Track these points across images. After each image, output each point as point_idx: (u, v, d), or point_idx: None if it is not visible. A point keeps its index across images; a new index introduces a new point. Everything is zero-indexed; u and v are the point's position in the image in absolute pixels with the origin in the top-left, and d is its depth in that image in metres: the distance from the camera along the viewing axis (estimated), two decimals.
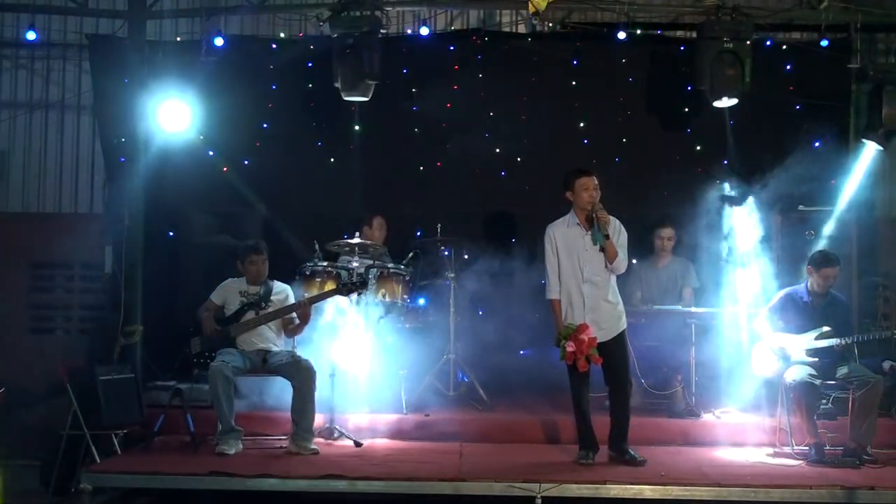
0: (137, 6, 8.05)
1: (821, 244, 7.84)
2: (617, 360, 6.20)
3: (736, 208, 7.71)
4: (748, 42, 7.77)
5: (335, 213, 8.54)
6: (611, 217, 6.20)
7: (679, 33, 8.91)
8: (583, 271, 6.20)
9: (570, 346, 6.05)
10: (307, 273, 7.46)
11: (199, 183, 8.69)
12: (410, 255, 7.69)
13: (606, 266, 6.21)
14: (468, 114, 8.84)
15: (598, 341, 6.12)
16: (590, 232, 6.20)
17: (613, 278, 6.30)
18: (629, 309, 6.67)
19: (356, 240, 7.33)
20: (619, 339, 6.27)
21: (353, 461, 6.22)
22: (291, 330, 6.99)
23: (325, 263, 7.49)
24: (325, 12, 8.11)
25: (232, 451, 6.41)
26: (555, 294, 6.28)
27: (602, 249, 6.17)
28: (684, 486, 5.67)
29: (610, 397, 6.32)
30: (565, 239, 6.28)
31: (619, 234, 6.26)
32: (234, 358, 6.66)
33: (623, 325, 6.32)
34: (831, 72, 8.53)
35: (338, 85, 7.95)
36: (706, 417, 7.23)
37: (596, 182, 6.23)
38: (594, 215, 6.13)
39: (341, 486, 5.75)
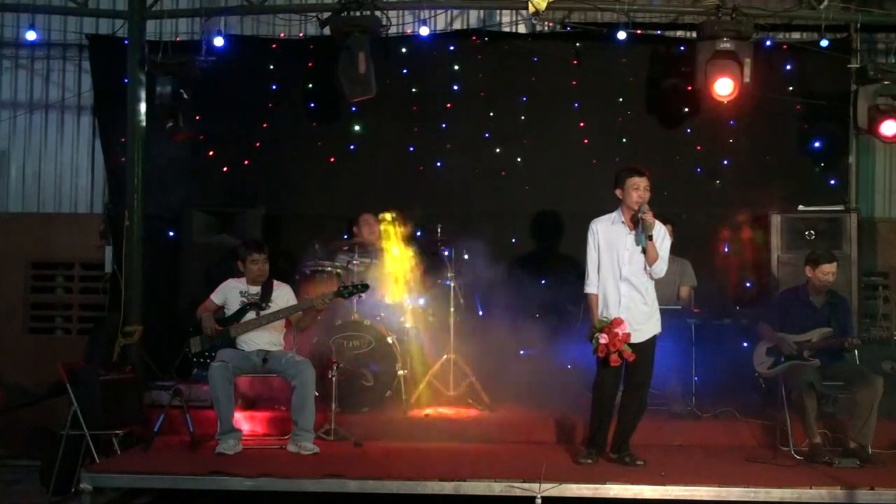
0: (137, 6, 8.04)
1: (820, 244, 7.84)
2: (642, 362, 6.14)
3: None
4: (748, 42, 7.77)
5: (335, 213, 8.56)
6: (657, 221, 6.13)
7: (679, 33, 8.91)
8: (621, 269, 6.14)
9: (604, 339, 6.01)
10: (307, 273, 7.47)
11: (199, 183, 8.70)
12: (410, 255, 7.71)
13: (645, 268, 6.16)
14: (468, 114, 8.85)
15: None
16: (633, 232, 6.15)
17: (651, 282, 6.24)
18: None
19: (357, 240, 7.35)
20: (650, 343, 6.22)
21: (353, 461, 6.22)
22: (302, 320, 6.97)
23: (325, 263, 7.49)
24: (325, 13, 8.11)
25: (232, 452, 6.41)
26: (592, 288, 6.23)
27: (644, 251, 6.12)
28: (684, 486, 5.66)
29: (624, 398, 6.30)
30: (607, 235, 6.21)
31: (662, 239, 6.18)
32: (234, 358, 6.66)
33: (656, 329, 6.26)
34: (831, 72, 8.53)
35: (338, 85, 7.95)
36: (706, 418, 7.22)
37: (647, 183, 6.14)
38: (640, 216, 6.07)
39: (341, 486, 5.74)
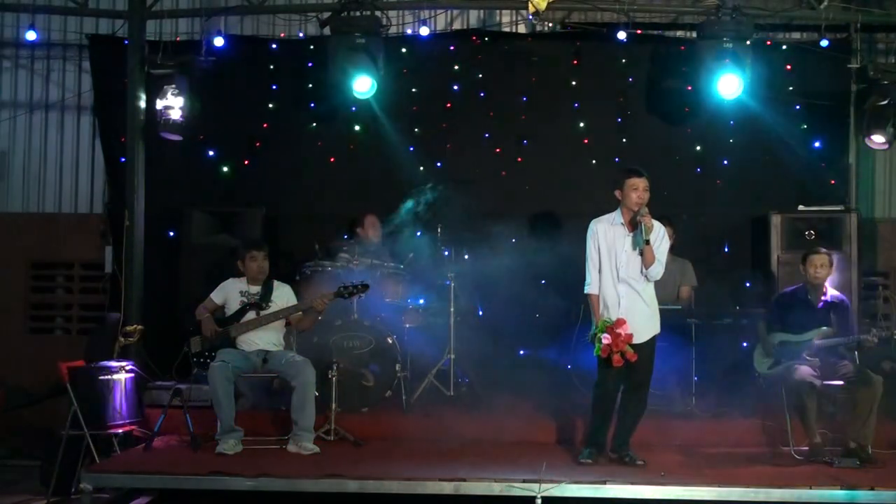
0: (137, 6, 8.06)
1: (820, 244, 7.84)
2: (643, 362, 6.13)
3: None
4: (748, 42, 7.77)
5: (335, 213, 8.55)
6: (655, 223, 6.12)
7: (679, 33, 8.92)
8: (618, 271, 6.14)
9: (606, 339, 6.01)
10: (307, 273, 7.47)
11: (199, 183, 8.71)
12: (410, 255, 7.70)
13: (642, 271, 6.14)
14: (468, 114, 8.85)
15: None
16: (632, 234, 6.14)
17: (650, 283, 6.22)
18: None
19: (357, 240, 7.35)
20: (650, 344, 6.22)
21: (353, 461, 6.22)
22: (302, 321, 6.96)
23: (325, 263, 7.49)
24: (325, 13, 8.11)
25: (232, 452, 6.41)
26: (593, 289, 6.23)
27: (641, 253, 6.11)
28: (684, 486, 5.66)
29: (624, 398, 6.30)
30: (606, 236, 6.21)
31: (661, 241, 6.17)
32: (234, 358, 6.65)
33: (656, 329, 6.26)
34: (831, 72, 8.53)
35: (338, 85, 7.96)
36: (706, 418, 7.22)
37: (646, 184, 6.14)
38: (638, 219, 6.06)
39: (341, 486, 5.74)
